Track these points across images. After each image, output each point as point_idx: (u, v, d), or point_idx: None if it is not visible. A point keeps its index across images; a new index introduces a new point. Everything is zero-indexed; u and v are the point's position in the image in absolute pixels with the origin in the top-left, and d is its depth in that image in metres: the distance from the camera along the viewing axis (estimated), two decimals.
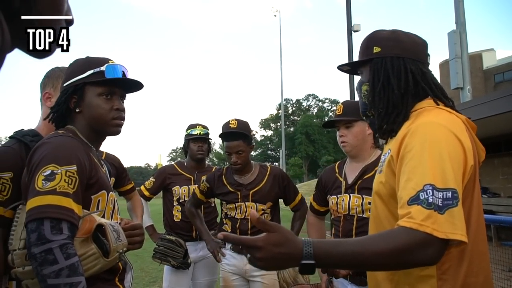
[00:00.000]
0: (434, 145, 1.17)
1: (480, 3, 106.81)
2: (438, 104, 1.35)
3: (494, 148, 11.06)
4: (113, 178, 2.99)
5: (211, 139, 3.69)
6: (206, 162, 3.78)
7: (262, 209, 2.97)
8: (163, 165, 5.00)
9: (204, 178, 3.26)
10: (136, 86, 1.70)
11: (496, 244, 8.15)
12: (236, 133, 2.93)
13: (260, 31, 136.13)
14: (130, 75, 1.67)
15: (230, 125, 2.96)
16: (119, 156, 3.05)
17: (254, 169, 3.07)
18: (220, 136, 3.01)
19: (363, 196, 2.35)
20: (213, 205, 3.66)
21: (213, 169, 3.58)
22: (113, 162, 2.98)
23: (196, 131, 3.59)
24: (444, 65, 28.02)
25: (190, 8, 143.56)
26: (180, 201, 3.52)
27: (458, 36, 10.24)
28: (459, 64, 10.24)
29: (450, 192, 1.08)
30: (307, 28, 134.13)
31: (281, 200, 3.15)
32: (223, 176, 3.10)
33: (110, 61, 1.63)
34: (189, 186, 3.55)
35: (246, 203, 2.96)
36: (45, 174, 1.34)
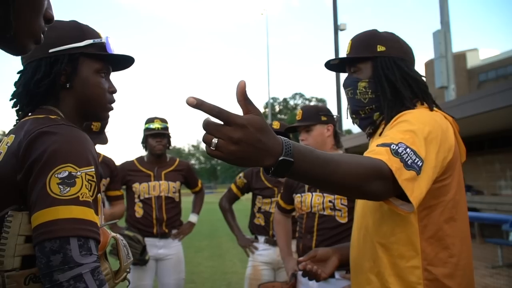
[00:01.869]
0: (418, 122, 1.21)
1: (464, 3, 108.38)
2: (428, 105, 1.39)
3: (477, 146, 11.23)
4: (108, 179, 3.01)
5: (170, 133, 3.52)
6: (168, 155, 3.62)
7: None
8: None
9: (241, 174, 3.43)
10: (120, 65, 1.44)
11: (479, 241, 8.29)
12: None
13: (248, 30, 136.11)
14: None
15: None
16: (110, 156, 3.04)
17: None
18: None
19: (324, 194, 2.48)
20: (177, 200, 3.54)
21: (177, 162, 3.61)
22: (108, 164, 2.96)
23: (154, 125, 3.43)
24: (429, 65, 28.34)
25: (178, 7, 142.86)
26: (141, 198, 3.39)
27: (443, 35, 10.38)
28: (444, 63, 10.39)
29: (421, 162, 1.11)
30: (294, 27, 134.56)
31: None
32: (261, 172, 3.31)
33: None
34: (149, 182, 3.41)
35: None
36: (61, 176, 1.03)
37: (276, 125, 3.20)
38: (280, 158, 0.85)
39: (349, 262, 1.51)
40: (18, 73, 1.29)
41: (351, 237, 1.49)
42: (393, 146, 1.10)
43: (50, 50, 1.24)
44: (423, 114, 1.29)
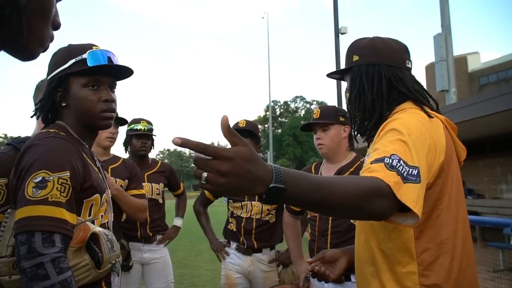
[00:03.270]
0: (405, 128, 1.21)
1: (465, 7, 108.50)
2: (419, 105, 1.39)
3: (479, 150, 11.22)
4: (126, 181, 3.01)
5: (155, 135, 3.48)
6: (151, 157, 3.56)
7: (268, 209, 3.03)
8: None
9: None
10: (125, 72, 1.56)
11: (481, 245, 8.26)
12: (245, 131, 3.02)
13: (249, 33, 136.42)
14: (119, 61, 1.54)
15: (239, 124, 3.07)
16: None
17: None
18: None
19: None
20: (161, 202, 3.46)
21: (159, 164, 3.55)
22: (126, 166, 2.96)
23: (139, 126, 3.37)
24: (430, 68, 28.38)
25: (178, 10, 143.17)
26: None
27: (444, 39, 10.38)
28: (445, 66, 10.39)
29: (416, 170, 1.10)
30: (295, 30, 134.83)
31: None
32: None
33: (94, 47, 1.49)
34: None
35: (252, 202, 3.02)
36: (36, 181, 1.24)
37: (242, 123, 3.09)
38: (270, 186, 0.86)
39: None
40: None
41: (355, 241, 1.49)
42: (387, 160, 1.09)
43: (48, 77, 1.49)
44: (409, 118, 1.28)
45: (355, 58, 1.48)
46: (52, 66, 1.48)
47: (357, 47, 1.50)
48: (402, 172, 1.07)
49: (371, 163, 1.11)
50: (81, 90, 1.45)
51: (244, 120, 3.09)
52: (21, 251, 1.17)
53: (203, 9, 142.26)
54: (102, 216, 1.50)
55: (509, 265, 6.66)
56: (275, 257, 3.06)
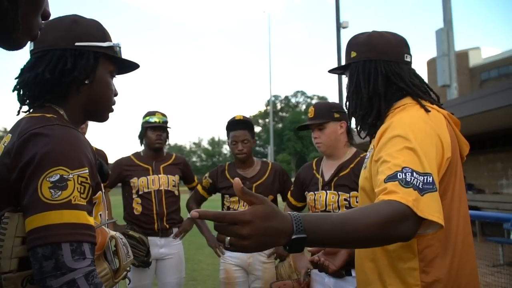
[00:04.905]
0: (411, 133, 1.19)
1: (466, 1, 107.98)
2: (418, 101, 1.38)
3: (479, 145, 11.22)
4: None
5: (169, 127, 3.50)
6: (165, 150, 3.60)
7: None
8: None
9: (207, 174, 3.34)
10: (126, 70, 1.49)
11: (480, 240, 8.28)
12: (243, 122, 3.11)
13: (250, 28, 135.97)
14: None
15: (236, 117, 3.14)
16: (107, 152, 3.03)
17: (256, 163, 3.22)
18: (228, 126, 3.15)
19: (339, 192, 2.46)
20: (177, 194, 3.49)
21: (173, 156, 3.59)
22: (100, 157, 2.95)
23: (154, 119, 3.38)
24: (431, 63, 28.29)
25: (179, 5, 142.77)
26: (140, 193, 3.32)
27: (446, 34, 10.36)
28: (446, 62, 10.38)
29: (431, 177, 1.09)
30: (296, 24, 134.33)
31: None
32: (226, 171, 3.22)
33: None
34: (148, 176, 3.36)
35: None
36: (52, 180, 1.02)
37: (239, 117, 3.15)
38: (292, 237, 0.90)
39: None
40: (31, 55, 1.26)
41: None
42: (400, 175, 1.08)
43: (76, 44, 1.24)
44: (412, 118, 1.27)
45: (353, 54, 1.48)
46: (84, 34, 1.27)
47: (355, 43, 1.50)
48: (418, 184, 1.06)
49: (385, 181, 1.10)
50: (107, 77, 1.34)
51: (241, 115, 3.17)
52: (45, 267, 0.96)
53: (204, 3, 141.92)
54: (100, 215, 1.33)
55: (509, 259, 6.69)
56: (273, 250, 3.08)
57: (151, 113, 3.44)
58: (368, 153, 1.45)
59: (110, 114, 1.41)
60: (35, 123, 1.12)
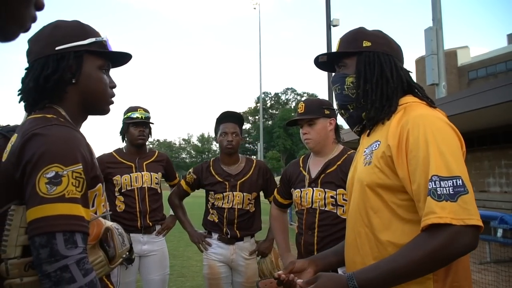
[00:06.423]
0: (436, 136, 1.20)
1: (456, 1, 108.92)
2: (425, 99, 1.39)
3: (467, 143, 11.14)
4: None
5: (152, 123, 3.45)
6: (148, 146, 3.54)
7: (249, 199, 3.08)
8: None
9: (191, 170, 3.33)
10: (119, 62, 1.56)
11: None
12: (235, 115, 3.17)
13: (241, 25, 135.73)
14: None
15: (228, 111, 3.19)
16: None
17: (241, 160, 3.21)
18: (219, 118, 3.17)
19: (325, 190, 2.45)
20: (159, 192, 3.44)
21: (156, 153, 3.54)
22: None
23: (136, 115, 3.33)
24: (420, 61, 28.51)
25: (171, 0, 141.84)
26: (122, 191, 3.27)
27: (435, 32, 10.40)
28: (435, 60, 10.42)
29: (460, 180, 1.12)
30: (286, 22, 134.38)
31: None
32: (211, 167, 3.19)
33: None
34: (131, 174, 3.30)
35: (234, 192, 3.06)
36: (48, 176, 1.14)
37: (231, 111, 3.22)
38: None
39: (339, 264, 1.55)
40: (25, 69, 1.37)
41: (346, 237, 1.47)
42: (431, 186, 1.13)
43: (57, 48, 1.33)
44: (433, 119, 1.26)
45: (366, 43, 1.45)
46: (63, 37, 1.35)
47: (368, 33, 1.48)
48: (449, 192, 1.10)
49: (417, 200, 1.18)
50: (97, 72, 1.40)
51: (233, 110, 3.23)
52: (42, 255, 1.09)
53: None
54: (102, 206, 1.43)
55: (495, 257, 6.76)
56: (255, 248, 3.11)
57: (133, 109, 3.38)
58: (367, 149, 1.40)
59: (111, 106, 1.48)
60: (35, 124, 1.24)
